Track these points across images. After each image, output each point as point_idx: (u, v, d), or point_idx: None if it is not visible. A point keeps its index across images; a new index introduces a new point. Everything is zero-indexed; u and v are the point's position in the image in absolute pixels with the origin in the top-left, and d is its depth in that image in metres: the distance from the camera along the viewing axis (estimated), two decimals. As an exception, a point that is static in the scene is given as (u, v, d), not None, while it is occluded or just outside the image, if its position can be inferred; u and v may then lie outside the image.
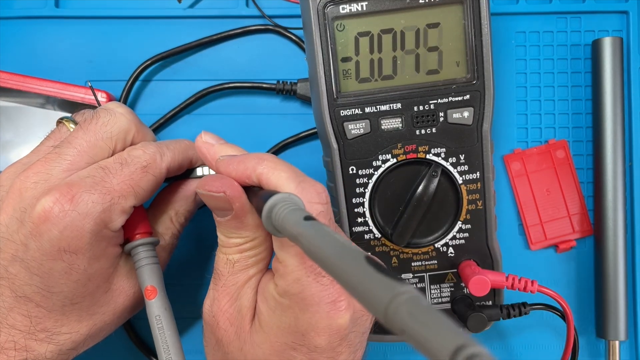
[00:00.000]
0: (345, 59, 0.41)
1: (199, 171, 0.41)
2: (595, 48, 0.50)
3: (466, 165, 0.42)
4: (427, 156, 0.42)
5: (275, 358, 0.32)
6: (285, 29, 0.50)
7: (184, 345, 0.50)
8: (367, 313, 0.33)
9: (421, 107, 0.41)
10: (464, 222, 0.43)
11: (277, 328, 0.32)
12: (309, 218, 0.24)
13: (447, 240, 0.43)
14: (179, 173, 0.40)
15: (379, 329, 0.45)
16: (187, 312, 0.50)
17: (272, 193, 0.27)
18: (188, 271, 0.51)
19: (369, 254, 0.20)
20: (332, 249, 0.21)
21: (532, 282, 0.42)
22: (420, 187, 0.41)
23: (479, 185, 0.42)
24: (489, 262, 0.44)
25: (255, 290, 0.34)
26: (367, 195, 0.42)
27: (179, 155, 0.38)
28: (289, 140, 0.50)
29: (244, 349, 0.33)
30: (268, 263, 0.34)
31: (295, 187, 0.30)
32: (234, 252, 0.33)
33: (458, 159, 0.42)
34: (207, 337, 0.36)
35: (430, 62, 0.41)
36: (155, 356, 0.50)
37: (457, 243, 0.43)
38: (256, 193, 0.31)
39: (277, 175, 0.31)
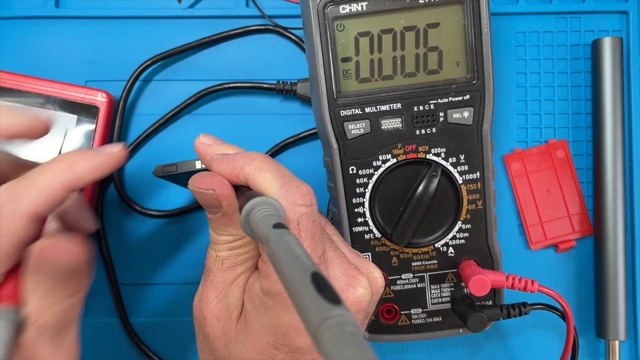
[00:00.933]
0: (345, 59, 0.41)
1: (198, 164, 0.40)
2: (595, 48, 0.50)
3: (466, 165, 0.42)
4: (427, 156, 0.42)
5: (258, 356, 0.32)
6: (285, 29, 0.50)
7: (187, 346, 0.50)
8: (357, 316, 0.33)
9: (421, 107, 0.41)
10: (464, 222, 0.43)
11: (260, 327, 0.32)
12: (278, 226, 0.24)
13: (447, 240, 0.43)
14: (65, 201, 0.32)
15: (377, 328, 0.45)
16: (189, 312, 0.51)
17: (253, 195, 0.28)
18: (190, 271, 0.51)
19: (319, 271, 0.20)
20: (286, 261, 0.21)
21: (532, 282, 0.42)
22: (420, 187, 0.41)
23: (479, 185, 0.42)
24: (489, 262, 0.44)
25: (243, 289, 0.34)
26: (367, 195, 0.42)
27: (53, 187, 0.31)
28: (289, 140, 0.50)
29: (229, 345, 0.33)
30: (257, 262, 0.34)
31: (279, 188, 0.30)
32: (223, 249, 0.33)
33: (458, 159, 0.42)
34: (196, 331, 0.36)
35: (430, 62, 0.41)
36: (156, 356, 0.50)
37: (457, 243, 0.43)
38: (243, 193, 0.31)
39: (262, 175, 0.31)
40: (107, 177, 0.50)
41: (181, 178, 0.41)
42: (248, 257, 0.34)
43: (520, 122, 0.51)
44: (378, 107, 0.41)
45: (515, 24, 0.51)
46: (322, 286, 0.19)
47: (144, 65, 0.49)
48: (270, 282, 0.30)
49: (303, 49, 0.50)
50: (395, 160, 0.42)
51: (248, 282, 0.34)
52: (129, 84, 0.50)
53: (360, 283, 0.32)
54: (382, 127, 0.41)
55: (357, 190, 0.42)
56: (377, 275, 0.35)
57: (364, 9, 0.40)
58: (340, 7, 0.40)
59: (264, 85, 0.50)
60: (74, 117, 0.48)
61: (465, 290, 0.44)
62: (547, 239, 0.51)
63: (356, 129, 0.41)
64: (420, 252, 0.43)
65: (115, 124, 0.49)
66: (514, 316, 0.44)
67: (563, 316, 0.44)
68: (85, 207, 0.39)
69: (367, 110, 0.41)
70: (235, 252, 0.33)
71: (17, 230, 0.30)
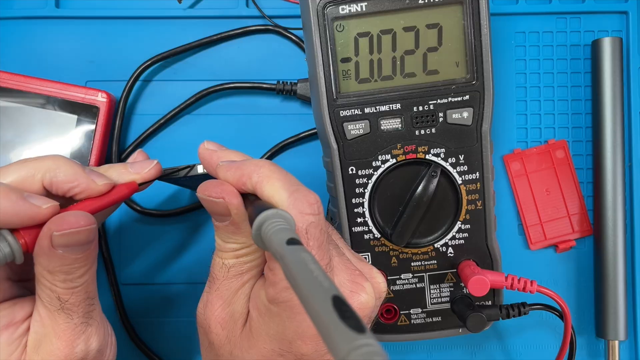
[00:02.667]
0: (345, 60, 0.41)
1: (200, 169, 0.40)
2: (595, 48, 0.50)
3: (466, 166, 0.42)
4: (427, 156, 0.42)
5: None
6: (285, 29, 0.50)
7: (187, 346, 0.51)
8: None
9: (421, 108, 0.41)
10: (464, 222, 0.43)
11: (265, 334, 0.32)
12: (292, 242, 0.24)
13: (447, 240, 0.43)
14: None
15: (377, 328, 0.45)
16: (189, 312, 0.51)
17: (263, 208, 0.27)
18: (190, 271, 0.51)
19: (340, 294, 0.20)
20: (304, 281, 0.21)
21: (532, 282, 0.42)
22: (420, 188, 0.41)
23: (478, 185, 0.42)
24: (488, 262, 0.44)
25: (248, 297, 0.34)
26: (367, 195, 0.42)
27: None
28: (289, 140, 0.50)
29: (234, 352, 0.33)
30: (262, 270, 0.34)
31: (288, 196, 0.30)
32: (229, 257, 0.33)
33: (457, 159, 0.42)
34: (200, 338, 0.36)
35: (429, 62, 0.41)
36: (156, 356, 0.50)
37: (457, 243, 0.43)
38: (252, 202, 0.31)
39: (270, 184, 0.31)
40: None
41: (183, 181, 0.41)
42: (254, 265, 0.34)
43: (520, 122, 0.51)
44: (377, 107, 0.41)
45: (515, 24, 0.51)
46: (345, 312, 0.19)
47: (144, 65, 0.49)
48: (277, 290, 0.30)
49: (303, 49, 0.50)
50: (394, 160, 0.42)
51: (253, 290, 0.34)
52: (129, 84, 0.50)
53: (365, 289, 0.32)
54: (382, 128, 0.41)
55: (357, 190, 0.42)
56: (380, 280, 0.35)
57: (364, 9, 0.40)
58: (340, 7, 0.40)
59: (264, 85, 0.50)
60: (74, 117, 0.48)
61: (464, 291, 0.44)
62: (547, 239, 0.51)
63: (356, 129, 0.41)
64: (419, 252, 0.43)
65: (115, 124, 0.50)
66: (513, 316, 0.44)
67: (562, 316, 0.44)
68: None
69: (367, 110, 0.41)
70: (242, 260, 0.33)
71: None
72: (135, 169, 0.37)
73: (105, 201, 0.35)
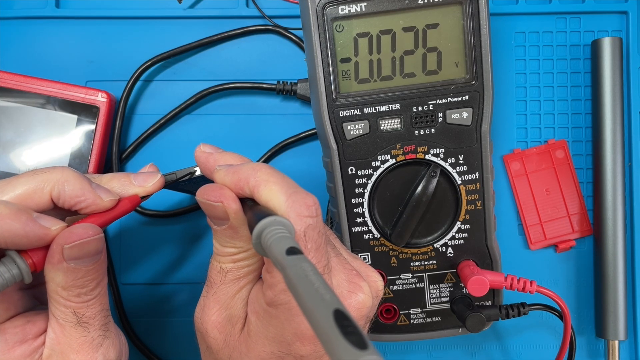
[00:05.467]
0: (345, 60, 0.41)
1: (198, 171, 0.40)
2: (595, 48, 0.50)
3: (465, 166, 0.42)
4: (426, 156, 0.42)
5: None
6: (286, 29, 0.50)
7: (186, 346, 0.51)
8: (359, 322, 0.33)
9: (420, 108, 0.41)
10: (463, 222, 0.43)
11: (264, 337, 0.32)
12: (291, 251, 0.24)
13: (446, 241, 0.43)
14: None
15: (377, 328, 0.45)
16: (189, 312, 0.51)
17: (262, 215, 0.27)
18: (190, 270, 0.51)
19: (341, 308, 0.20)
20: (306, 294, 0.21)
21: (531, 282, 0.42)
22: (419, 188, 0.41)
23: (478, 185, 0.42)
24: (488, 262, 0.44)
25: (245, 301, 0.34)
26: (366, 195, 0.42)
27: None
28: (289, 140, 0.50)
29: (233, 356, 0.33)
30: (260, 274, 0.34)
31: (286, 200, 0.30)
32: (227, 261, 0.33)
33: (457, 159, 0.42)
34: (199, 342, 0.36)
35: (429, 62, 0.41)
36: (155, 356, 0.50)
37: (456, 243, 0.43)
38: (251, 207, 0.31)
39: (268, 188, 0.31)
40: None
41: (181, 185, 0.41)
42: (251, 270, 0.34)
43: (520, 122, 0.51)
44: (377, 107, 0.41)
45: (515, 24, 0.51)
46: (347, 327, 0.19)
47: (144, 65, 0.50)
48: (275, 293, 0.30)
49: (303, 49, 0.50)
50: (394, 160, 0.42)
51: (251, 294, 0.34)
52: (129, 84, 0.50)
53: (362, 289, 0.32)
54: (381, 128, 0.41)
55: (356, 190, 0.42)
56: (377, 278, 0.35)
57: (363, 9, 0.40)
58: (340, 7, 0.40)
59: (264, 85, 0.50)
60: (74, 117, 0.48)
61: (464, 291, 0.44)
62: (547, 239, 0.51)
63: (355, 129, 0.41)
64: (419, 252, 0.43)
65: (115, 124, 0.50)
66: (513, 316, 0.44)
67: (561, 317, 0.44)
68: None
69: (366, 110, 0.41)
70: (239, 264, 0.33)
71: None
72: (139, 181, 0.37)
73: (109, 216, 0.35)
